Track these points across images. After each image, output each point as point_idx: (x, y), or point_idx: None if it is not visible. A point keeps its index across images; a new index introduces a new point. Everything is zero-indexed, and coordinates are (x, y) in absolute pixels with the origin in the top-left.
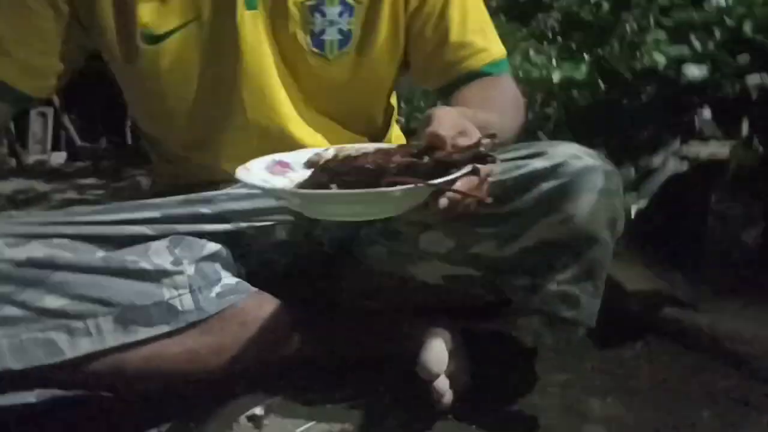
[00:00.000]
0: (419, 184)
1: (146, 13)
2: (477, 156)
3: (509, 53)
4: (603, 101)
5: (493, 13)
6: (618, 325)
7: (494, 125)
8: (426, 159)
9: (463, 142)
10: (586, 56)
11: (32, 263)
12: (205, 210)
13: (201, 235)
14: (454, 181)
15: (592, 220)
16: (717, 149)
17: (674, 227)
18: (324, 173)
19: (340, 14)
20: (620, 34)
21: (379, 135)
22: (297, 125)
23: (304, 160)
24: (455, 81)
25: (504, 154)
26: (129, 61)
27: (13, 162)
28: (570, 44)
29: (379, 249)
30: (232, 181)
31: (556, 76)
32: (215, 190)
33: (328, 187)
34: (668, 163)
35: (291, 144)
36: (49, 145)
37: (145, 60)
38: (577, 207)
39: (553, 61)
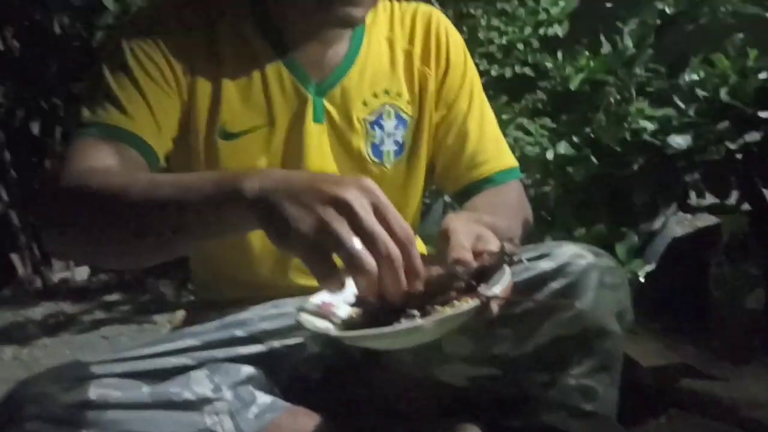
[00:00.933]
0: (476, 302)
1: (227, 110)
2: (505, 258)
3: (503, 130)
4: (597, 175)
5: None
6: (640, 401)
7: (501, 228)
8: (460, 269)
9: (483, 246)
10: (574, 137)
11: (86, 405)
12: (239, 333)
13: (236, 357)
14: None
15: (600, 315)
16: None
17: (681, 294)
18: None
19: (396, 127)
20: (605, 107)
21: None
22: None
23: (349, 299)
24: (470, 186)
25: None
26: (207, 153)
27: (38, 282)
28: (559, 123)
29: (405, 355)
30: (273, 287)
31: (549, 155)
32: (255, 303)
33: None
34: (669, 224)
35: None
36: (72, 262)
37: (217, 154)
38: (584, 303)
39: (545, 140)
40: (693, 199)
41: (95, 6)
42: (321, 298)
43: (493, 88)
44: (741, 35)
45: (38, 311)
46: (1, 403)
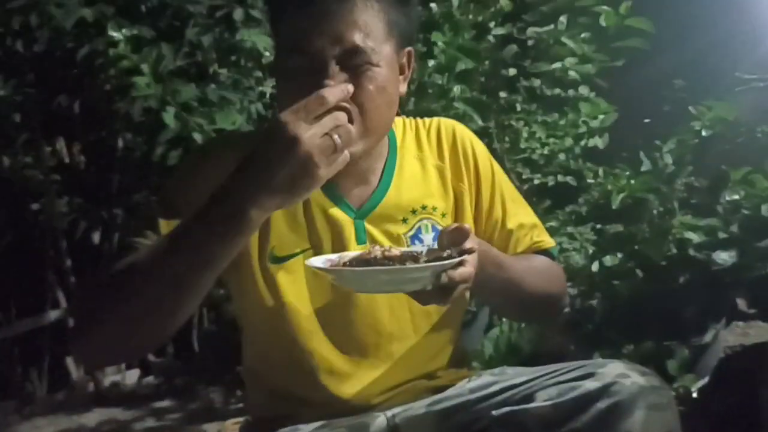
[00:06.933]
0: (448, 260)
1: (275, 237)
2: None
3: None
4: (644, 290)
5: (525, 198)
6: None
7: (510, 268)
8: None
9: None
10: (618, 254)
11: None
12: None
13: None
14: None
15: None
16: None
17: (734, 414)
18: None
19: (434, 239)
20: (648, 220)
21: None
22: (399, 342)
23: (348, 258)
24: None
25: (557, 377)
26: (262, 276)
27: (91, 386)
28: (602, 235)
29: None
30: (325, 404)
31: (595, 266)
32: (307, 420)
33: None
34: (719, 336)
35: (387, 356)
36: (123, 364)
37: (269, 277)
38: (632, 424)
39: (590, 247)
40: (743, 305)
41: (156, 123)
42: (326, 258)
43: (536, 195)
44: None
45: (92, 417)
46: None
